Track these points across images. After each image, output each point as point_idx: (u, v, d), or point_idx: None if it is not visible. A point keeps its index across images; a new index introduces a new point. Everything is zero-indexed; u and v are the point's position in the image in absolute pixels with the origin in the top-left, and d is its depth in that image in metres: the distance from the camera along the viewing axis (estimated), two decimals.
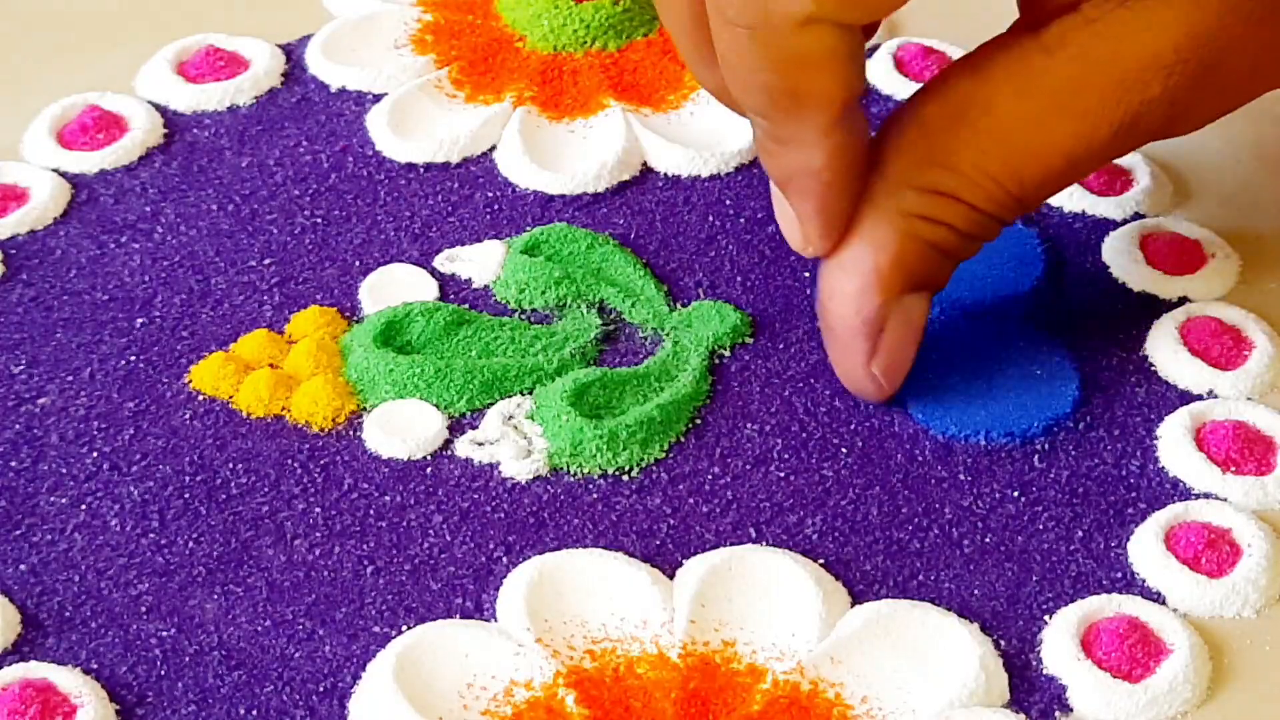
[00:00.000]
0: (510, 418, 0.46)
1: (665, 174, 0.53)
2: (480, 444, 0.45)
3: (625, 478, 0.45)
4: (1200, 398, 0.46)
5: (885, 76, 0.55)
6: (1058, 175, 0.43)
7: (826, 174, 0.42)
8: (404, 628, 0.41)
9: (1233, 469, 0.44)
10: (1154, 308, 0.49)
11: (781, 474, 0.45)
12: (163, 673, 0.40)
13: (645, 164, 0.53)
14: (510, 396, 0.46)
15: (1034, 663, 0.41)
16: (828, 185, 0.42)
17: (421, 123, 0.54)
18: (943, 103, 0.43)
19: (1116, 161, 0.52)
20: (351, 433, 0.45)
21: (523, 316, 0.48)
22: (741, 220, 0.51)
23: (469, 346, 0.47)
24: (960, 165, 0.42)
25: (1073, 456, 0.45)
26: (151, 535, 0.43)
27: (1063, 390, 0.46)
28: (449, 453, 0.45)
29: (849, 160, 0.42)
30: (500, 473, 0.45)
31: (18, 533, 0.43)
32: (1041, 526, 0.43)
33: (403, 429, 0.45)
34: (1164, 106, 0.42)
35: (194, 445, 0.45)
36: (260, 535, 0.43)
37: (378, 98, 0.55)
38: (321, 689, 0.40)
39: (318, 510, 0.44)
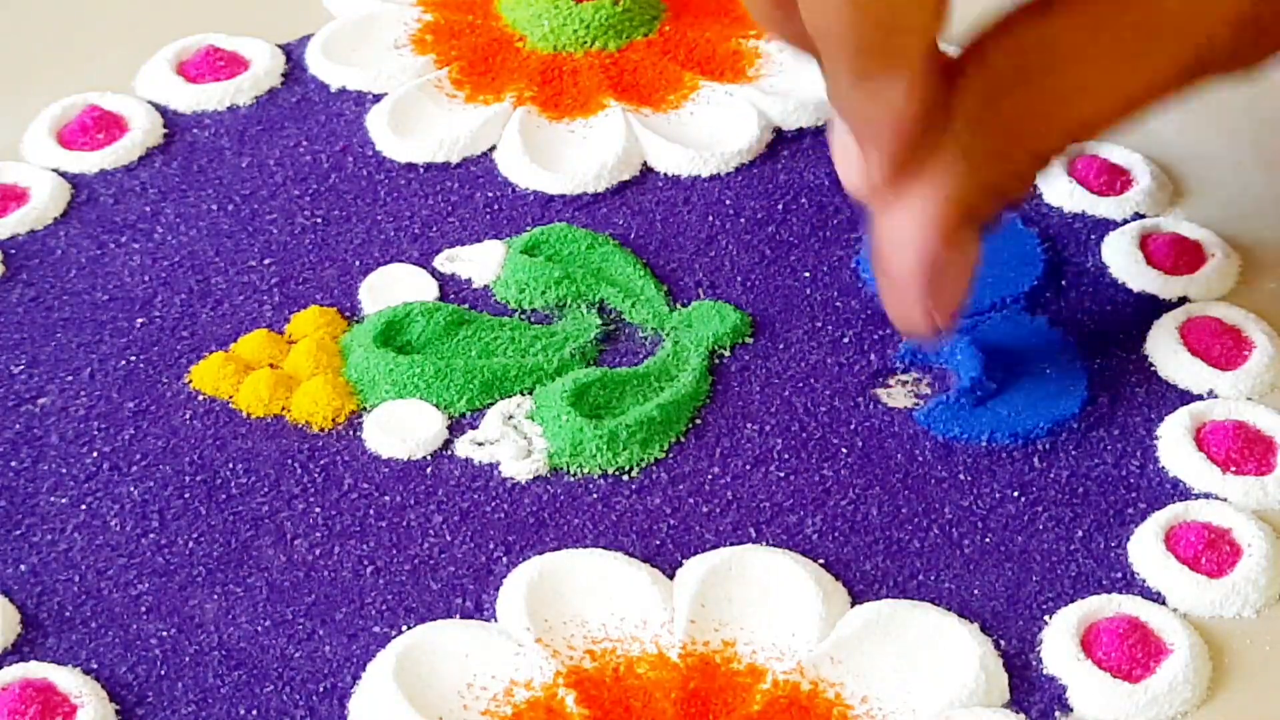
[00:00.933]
0: (510, 418, 0.46)
1: (665, 174, 0.53)
2: (480, 444, 0.45)
3: (625, 478, 0.44)
4: (1200, 398, 0.46)
5: None
6: (1117, 119, 0.44)
7: (909, 119, 0.42)
8: (404, 628, 0.41)
9: (1233, 469, 0.44)
10: (1154, 308, 0.49)
11: (781, 474, 0.45)
12: (163, 673, 0.40)
13: (645, 164, 0.53)
14: (510, 396, 0.46)
15: (1034, 663, 0.41)
16: (909, 130, 0.42)
17: (421, 123, 0.54)
18: (1009, 50, 0.43)
19: (1116, 161, 0.52)
20: (351, 433, 0.45)
21: (523, 316, 0.48)
22: (741, 220, 0.51)
23: (469, 346, 0.47)
24: (1027, 113, 0.43)
25: (1073, 456, 0.45)
26: (151, 535, 0.43)
27: (1071, 390, 0.46)
28: (449, 453, 0.45)
29: (929, 106, 0.42)
30: (500, 473, 0.45)
31: (18, 533, 0.43)
32: (1041, 526, 0.43)
33: (403, 429, 0.45)
34: (1227, 55, 0.43)
35: (194, 445, 0.45)
36: (260, 535, 0.43)
37: (378, 98, 0.55)
38: (321, 689, 0.40)
39: (318, 510, 0.44)
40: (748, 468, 0.45)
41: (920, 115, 0.42)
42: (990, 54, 0.43)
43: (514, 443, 0.45)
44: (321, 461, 0.45)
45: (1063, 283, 0.49)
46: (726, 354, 0.47)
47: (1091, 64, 0.43)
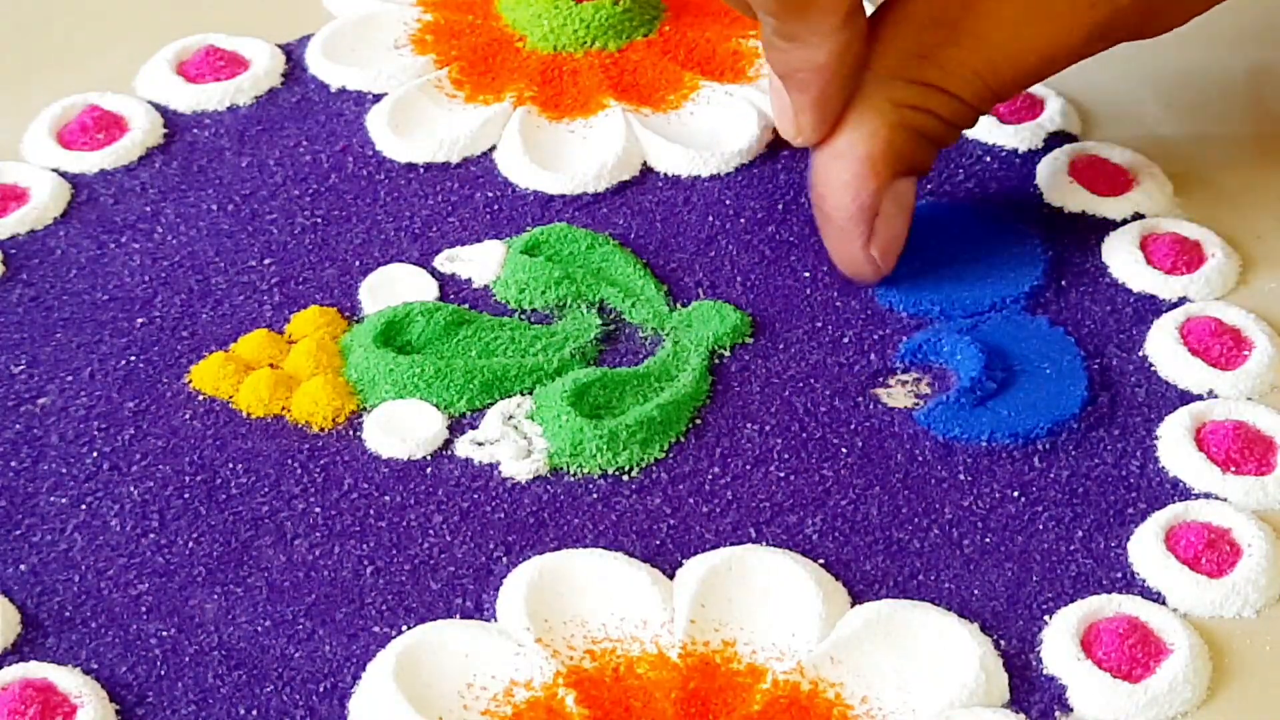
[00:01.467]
0: (510, 418, 0.46)
1: (665, 174, 0.53)
2: (480, 444, 0.45)
3: (625, 478, 0.44)
4: (1200, 398, 0.46)
5: None
6: (1033, 71, 0.46)
7: (829, 70, 0.45)
8: (404, 628, 0.41)
9: (1233, 469, 0.44)
10: (1154, 308, 0.49)
11: (781, 474, 0.45)
12: (163, 673, 0.40)
13: (645, 164, 0.53)
14: (510, 396, 0.46)
15: (1034, 663, 0.41)
16: (829, 80, 0.45)
17: (421, 123, 0.54)
18: (930, 1, 0.46)
19: (1117, 162, 0.52)
20: (351, 433, 0.45)
21: (523, 316, 0.48)
22: (741, 220, 0.51)
23: (469, 346, 0.47)
24: (946, 60, 0.45)
25: (1073, 456, 0.45)
26: (151, 535, 0.43)
27: (1071, 390, 0.46)
28: (449, 453, 0.45)
29: (850, 57, 0.45)
30: (500, 473, 0.45)
31: (18, 533, 0.43)
32: (1041, 526, 0.43)
33: (403, 429, 0.45)
34: (1135, 15, 0.46)
35: (194, 445, 0.45)
36: (260, 535, 0.43)
37: (378, 98, 0.55)
38: (321, 689, 0.40)
39: (318, 510, 0.44)
40: (748, 468, 0.45)
41: (838, 65, 0.45)
42: (913, 6, 0.46)
43: (514, 443, 0.45)
44: (321, 461, 0.45)
45: (1063, 283, 0.49)
46: (726, 354, 0.47)
47: (1004, 20, 0.45)
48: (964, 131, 0.48)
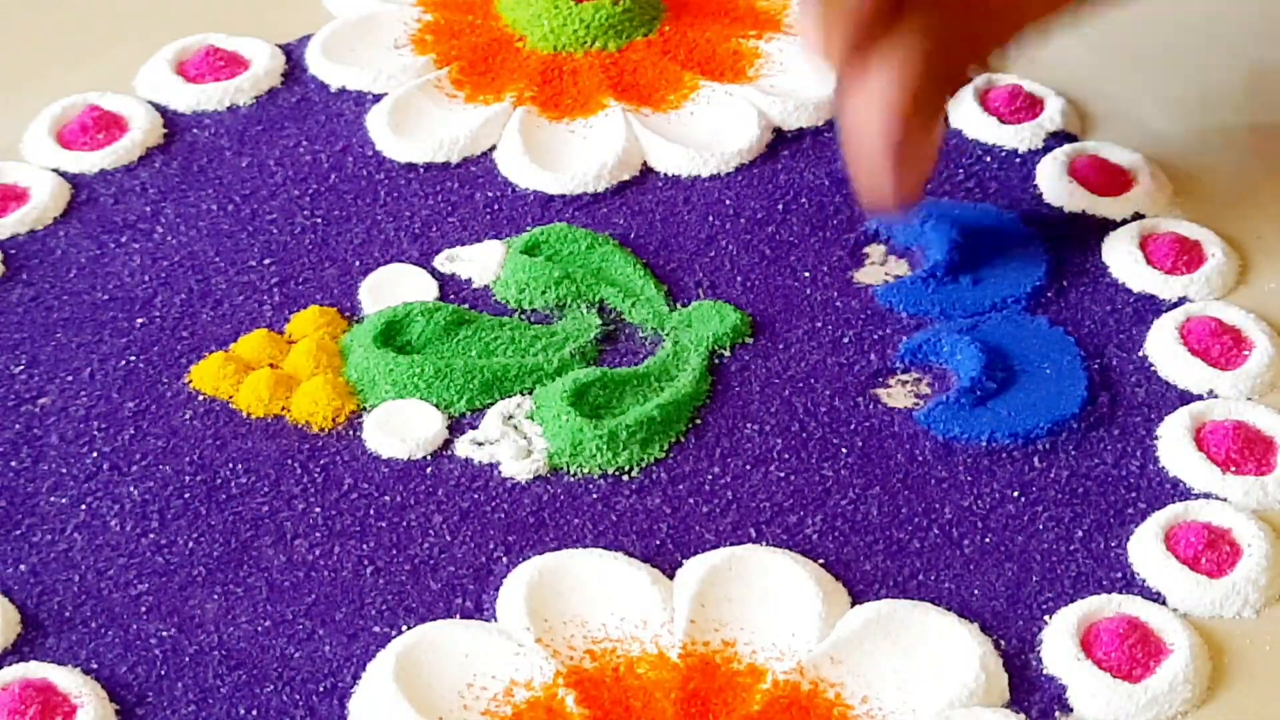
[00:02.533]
0: (510, 418, 0.46)
1: (665, 174, 0.53)
2: (480, 444, 0.45)
3: (625, 478, 0.44)
4: (1200, 398, 0.46)
5: None
6: (1053, 9, 0.48)
7: (867, 6, 0.45)
8: (404, 628, 0.41)
9: (1233, 469, 0.44)
10: (1154, 308, 0.49)
11: (781, 474, 0.45)
12: (163, 673, 0.40)
13: (645, 164, 0.53)
14: (510, 396, 0.46)
15: (1034, 663, 0.41)
16: (867, 16, 0.45)
17: (421, 123, 0.54)
18: None
19: (1116, 161, 0.52)
20: (351, 433, 0.45)
21: (523, 316, 0.48)
22: (741, 220, 0.51)
23: (469, 346, 0.47)
24: (970, 17, 0.46)
25: (1073, 456, 0.45)
26: (151, 535, 0.43)
27: (1071, 390, 0.46)
28: (449, 453, 0.45)
29: None
30: (500, 473, 0.45)
31: (18, 533, 0.43)
32: (1041, 526, 0.43)
33: (403, 429, 0.45)
34: None
35: (194, 445, 0.45)
36: (260, 535, 0.43)
37: (378, 98, 0.55)
38: (321, 689, 0.40)
39: (318, 510, 0.44)
40: (748, 468, 0.45)
41: (876, 3, 0.45)
42: None
43: (514, 443, 0.45)
44: (321, 461, 0.45)
45: (1063, 283, 0.49)
46: (726, 354, 0.47)
47: None
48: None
